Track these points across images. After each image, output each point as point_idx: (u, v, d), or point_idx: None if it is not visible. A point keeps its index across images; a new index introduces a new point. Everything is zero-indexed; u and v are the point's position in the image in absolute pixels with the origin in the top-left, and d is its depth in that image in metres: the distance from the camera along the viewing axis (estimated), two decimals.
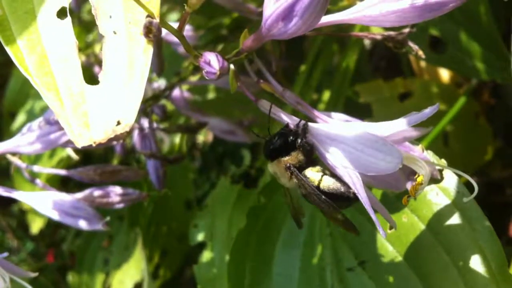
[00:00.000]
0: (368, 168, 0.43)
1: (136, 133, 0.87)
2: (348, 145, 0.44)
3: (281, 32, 0.43)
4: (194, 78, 0.91)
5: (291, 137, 0.49)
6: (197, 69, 0.84)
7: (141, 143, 0.85)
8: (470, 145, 0.99)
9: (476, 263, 0.50)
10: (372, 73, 1.23)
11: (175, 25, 0.95)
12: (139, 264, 1.18)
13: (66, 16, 0.45)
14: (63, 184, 1.37)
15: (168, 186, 1.17)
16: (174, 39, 1.03)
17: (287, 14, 0.41)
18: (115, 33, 0.42)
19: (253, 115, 1.05)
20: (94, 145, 0.38)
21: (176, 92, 0.95)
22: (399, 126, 0.45)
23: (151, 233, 1.17)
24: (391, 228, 0.54)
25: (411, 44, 0.64)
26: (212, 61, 0.41)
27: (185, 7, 0.44)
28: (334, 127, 0.47)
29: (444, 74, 1.09)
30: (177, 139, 1.21)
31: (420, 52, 0.64)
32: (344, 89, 0.88)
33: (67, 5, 0.45)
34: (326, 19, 0.52)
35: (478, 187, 1.25)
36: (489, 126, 1.01)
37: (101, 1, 0.44)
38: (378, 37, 0.64)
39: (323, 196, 0.48)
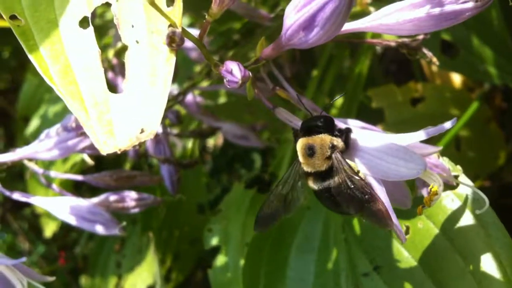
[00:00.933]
0: (388, 175, 0.44)
1: None
2: (368, 154, 0.45)
3: (301, 41, 0.44)
4: (205, 83, 0.91)
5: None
6: (208, 74, 0.85)
7: (155, 148, 0.85)
8: (482, 150, 1.00)
9: (491, 268, 0.51)
10: (383, 77, 1.24)
11: (192, 30, 0.96)
12: (151, 267, 1.19)
13: (88, 25, 0.46)
14: (75, 187, 1.38)
15: (181, 190, 1.18)
16: (187, 44, 1.04)
17: (308, 24, 0.42)
18: (137, 42, 0.43)
19: (265, 120, 1.06)
20: (119, 152, 0.39)
21: (189, 97, 0.96)
22: (418, 137, 0.46)
23: (163, 237, 1.18)
24: (407, 233, 0.55)
25: (425, 50, 0.64)
26: (234, 70, 0.42)
27: (206, 16, 0.45)
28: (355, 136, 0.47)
29: (456, 79, 1.09)
30: (189, 143, 1.22)
31: (434, 59, 0.64)
32: (357, 94, 0.89)
33: (89, 15, 0.46)
34: (345, 27, 0.52)
35: (491, 191, 1.25)
36: (500, 131, 1.01)
37: (123, 11, 0.45)
38: (392, 43, 0.64)
39: (363, 181, 0.46)
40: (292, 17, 0.43)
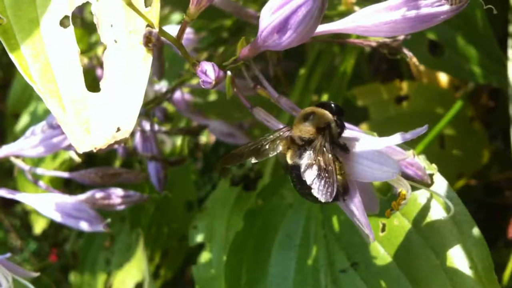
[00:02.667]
0: (363, 177, 0.45)
1: (138, 135, 0.88)
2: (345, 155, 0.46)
3: (275, 43, 0.44)
4: (195, 81, 0.92)
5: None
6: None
7: (142, 145, 0.86)
8: (466, 149, 1.01)
9: (463, 265, 0.52)
10: (373, 75, 1.25)
11: (177, 28, 0.96)
12: (140, 264, 1.19)
13: (68, 24, 0.47)
14: (66, 184, 1.39)
15: (170, 187, 1.18)
16: None
17: (282, 27, 0.43)
18: (116, 42, 0.44)
19: (253, 118, 1.06)
20: (95, 150, 0.40)
21: (177, 95, 0.96)
22: (393, 141, 0.47)
23: (152, 234, 1.18)
24: (383, 230, 0.56)
25: (405, 50, 0.65)
26: (208, 71, 0.43)
27: (184, 16, 0.46)
28: None
29: (443, 78, 1.10)
30: (178, 141, 1.23)
31: (414, 59, 0.65)
32: (341, 93, 0.90)
33: (70, 14, 0.47)
34: (321, 28, 0.53)
35: (477, 190, 1.26)
36: (484, 130, 1.02)
37: (102, 11, 0.46)
38: (374, 44, 0.65)
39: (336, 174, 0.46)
40: (267, 19, 0.44)
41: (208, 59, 0.94)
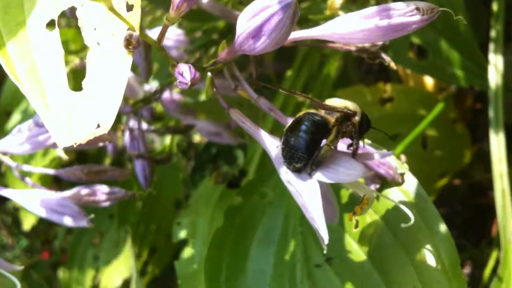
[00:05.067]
0: (328, 178, 0.47)
1: (127, 134, 0.90)
2: None
3: (251, 48, 0.47)
4: None
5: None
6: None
7: (130, 144, 0.88)
8: (449, 149, 1.03)
9: (431, 260, 0.54)
10: (364, 77, 1.27)
11: (176, 30, 0.97)
12: (128, 261, 1.21)
13: (54, 27, 0.49)
14: (57, 182, 1.40)
15: (158, 185, 1.20)
16: (167, 43, 1.07)
17: (256, 33, 0.45)
18: (98, 44, 0.46)
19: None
20: (75, 146, 0.42)
21: (166, 95, 0.98)
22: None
23: (140, 231, 1.20)
24: (356, 226, 0.58)
25: (383, 55, 0.67)
26: (184, 72, 0.45)
27: (165, 20, 0.48)
28: None
29: (429, 80, 1.12)
30: (167, 140, 1.25)
31: (392, 64, 0.67)
32: (324, 94, 0.92)
33: (55, 18, 0.49)
34: (299, 34, 0.56)
35: (462, 189, 1.28)
36: (467, 131, 1.05)
37: (86, 15, 0.47)
38: (353, 48, 0.67)
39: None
40: (243, 25, 0.46)
41: (198, 60, 0.96)
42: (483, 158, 1.17)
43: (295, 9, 0.43)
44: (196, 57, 1.05)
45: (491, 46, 0.89)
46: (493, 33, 0.89)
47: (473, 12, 0.99)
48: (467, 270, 1.30)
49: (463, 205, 1.33)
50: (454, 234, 1.34)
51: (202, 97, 1.25)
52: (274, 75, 1.34)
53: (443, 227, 0.54)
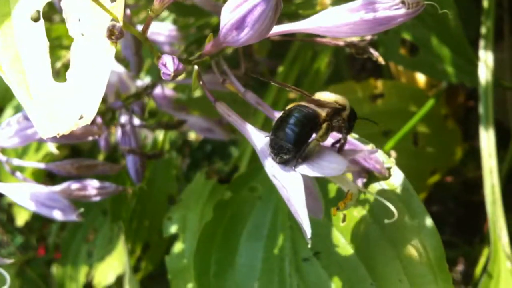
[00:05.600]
0: (313, 172, 0.47)
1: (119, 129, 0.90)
2: None
3: (234, 40, 0.47)
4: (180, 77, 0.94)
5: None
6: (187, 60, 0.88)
7: (121, 139, 0.88)
8: (440, 146, 1.03)
9: (417, 254, 0.54)
10: (357, 73, 1.27)
11: (168, 26, 0.97)
12: (121, 257, 1.21)
13: (39, 19, 0.49)
14: (51, 178, 1.40)
15: (151, 182, 1.20)
16: (160, 38, 1.07)
17: (240, 25, 0.45)
18: (82, 35, 0.46)
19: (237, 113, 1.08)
20: (58, 136, 0.42)
21: (157, 90, 0.98)
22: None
23: (133, 227, 1.20)
24: (343, 220, 0.58)
25: (371, 50, 0.67)
26: (168, 63, 0.45)
27: (149, 11, 0.48)
28: None
29: (421, 77, 1.12)
30: (160, 135, 1.25)
31: (380, 59, 0.67)
32: (314, 89, 0.92)
33: (41, 9, 0.49)
34: (286, 27, 0.56)
35: (454, 186, 1.28)
36: (458, 127, 1.05)
37: (71, 5, 0.47)
38: (341, 43, 0.67)
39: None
40: (227, 17, 0.46)
41: (190, 55, 0.96)
42: (476, 155, 1.17)
43: (277, 0, 0.43)
44: (189, 52, 1.05)
45: (482, 43, 0.89)
46: (483, 30, 0.89)
47: (464, 9, 0.99)
48: (460, 267, 1.30)
49: (456, 202, 1.33)
50: (447, 231, 1.35)
51: (196, 93, 1.25)
52: (267, 71, 1.34)
53: (429, 221, 0.54)
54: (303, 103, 0.51)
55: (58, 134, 0.42)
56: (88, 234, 1.31)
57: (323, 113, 0.50)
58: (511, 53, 1.09)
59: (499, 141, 0.87)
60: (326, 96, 0.53)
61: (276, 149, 0.48)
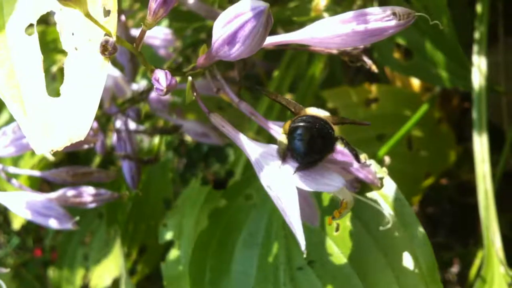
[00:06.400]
0: (309, 187, 0.47)
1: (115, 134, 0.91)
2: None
3: (226, 54, 0.47)
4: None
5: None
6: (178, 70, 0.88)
7: (117, 144, 0.88)
8: (434, 150, 1.04)
9: (409, 265, 0.55)
10: (353, 77, 1.28)
11: (164, 30, 0.97)
12: (118, 260, 1.21)
13: (33, 32, 0.49)
14: (48, 182, 1.40)
15: (147, 185, 1.20)
16: (155, 42, 1.07)
17: (231, 40, 0.46)
18: (76, 49, 0.46)
19: (229, 118, 1.09)
20: (51, 153, 0.42)
21: (153, 95, 0.98)
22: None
23: (129, 231, 1.20)
24: (337, 230, 0.59)
25: (365, 58, 0.67)
26: (160, 78, 0.45)
27: (142, 25, 0.48)
28: (275, 152, 0.50)
29: (416, 81, 1.13)
30: (156, 139, 1.25)
31: (373, 67, 0.67)
32: (308, 95, 0.93)
33: (34, 22, 0.49)
34: (280, 38, 0.56)
35: (450, 189, 1.29)
36: (452, 131, 1.05)
37: (65, 20, 0.48)
38: (335, 51, 0.68)
39: None
40: (218, 32, 0.46)
41: (186, 59, 0.97)
42: (470, 158, 1.18)
43: (268, 16, 0.44)
44: (185, 56, 1.05)
45: (475, 48, 0.89)
46: (477, 35, 0.90)
47: (458, 14, 0.99)
48: (455, 269, 1.31)
49: (451, 205, 1.34)
50: (442, 232, 1.35)
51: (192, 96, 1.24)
52: (264, 74, 1.34)
53: (421, 231, 0.55)
54: (320, 115, 0.51)
55: (52, 150, 0.42)
56: (85, 237, 1.32)
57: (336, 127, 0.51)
58: (505, 56, 1.10)
59: (494, 144, 0.88)
60: (314, 111, 0.52)
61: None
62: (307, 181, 0.47)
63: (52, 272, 1.34)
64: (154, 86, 0.46)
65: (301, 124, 0.49)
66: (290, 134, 0.48)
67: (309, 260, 0.62)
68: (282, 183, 0.48)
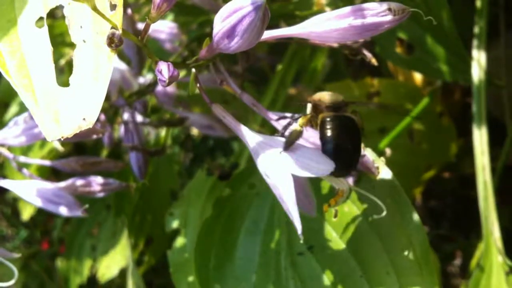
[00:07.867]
0: (301, 172, 0.49)
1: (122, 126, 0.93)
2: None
3: (226, 47, 0.49)
4: (181, 74, 0.96)
5: None
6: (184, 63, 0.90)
7: (124, 136, 0.90)
8: (435, 142, 1.05)
9: (403, 248, 0.57)
10: (357, 71, 1.29)
11: (169, 23, 0.99)
12: (125, 250, 1.24)
13: (43, 25, 0.51)
14: (56, 173, 1.43)
15: (154, 177, 1.22)
16: (161, 35, 1.09)
17: (230, 33, 0.48)
18: (84, 41, 0.48)
19: (234, 110, 1.11)
20: (62, 139, 0.44)
21: (159, 88, 1.00)
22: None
23: (136, 222, 1.22)
24: (335, 216, 0.61)
25: (365, 51, 0.69)
26: (163, 70, 0.47)
27: (147, 19, 0.50)
28: (273, 141, 0.53)
29: (418, 74, 1.14)
30: (163, 132, 1.27)
31: (373, 60, 0.69)
32: (311, 88, 0.94)
33: (44, 16, 0.51)
34: (279, 32, 0.58)
35: (452, 182, 1.30)
36: (453, 124, 1.07)
37: (74, 13, 0.50)
38: (335, 45, 0.69)
39: None
40: (218, 25, 0.49)
41: (191, 53, 0.99)
42: (472, 152, 1.20)
43: (265, 11, 0.46)
44: (190, 50, 1.07)
45: (475, 42, 0.91)
46: (476, 30, 0.91)
47: (458, 8, 1.00)
48: (457, 260, 1.32)
49: (453, 197, 1.35)
50: (444, 225, 1.36)
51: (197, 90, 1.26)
52: (268, 67, 1.36)
53: (415, 217, 0.57)
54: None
55: (62, 137, 0.44)
56: (92, 228, 1.34)
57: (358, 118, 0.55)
58: (506, 50, 1.11)
59: (495, 138, 0.89)
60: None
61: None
62: (301, 167, 0.49)
63: (60, 263, 1.36)
64: (158, 78, 0.48)
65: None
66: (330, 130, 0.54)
67: (309, 246, 0.64)
68: (278, 170, 0.50)
